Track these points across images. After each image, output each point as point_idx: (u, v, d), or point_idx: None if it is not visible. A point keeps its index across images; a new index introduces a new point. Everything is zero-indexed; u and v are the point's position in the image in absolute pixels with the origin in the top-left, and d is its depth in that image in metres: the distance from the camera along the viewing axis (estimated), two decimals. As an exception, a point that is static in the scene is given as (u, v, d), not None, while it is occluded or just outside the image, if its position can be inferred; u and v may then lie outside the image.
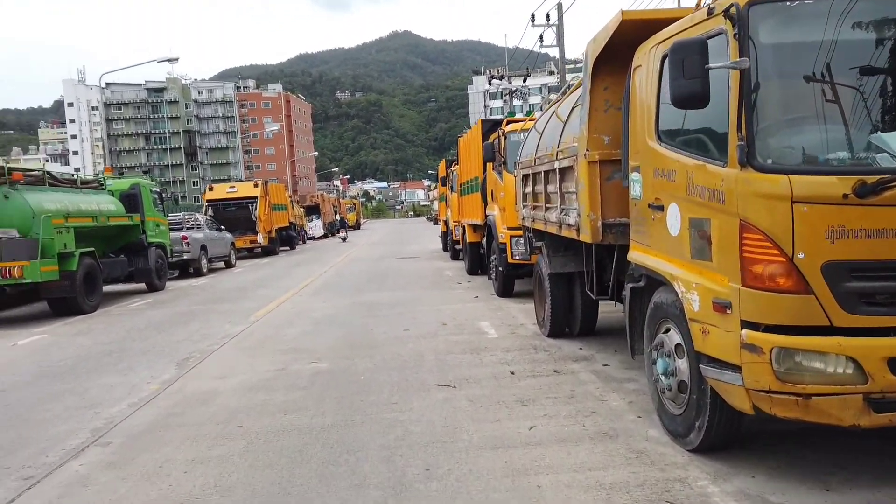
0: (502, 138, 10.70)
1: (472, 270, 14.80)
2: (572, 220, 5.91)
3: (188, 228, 18.93)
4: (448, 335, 7.94)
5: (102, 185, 14.06)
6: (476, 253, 14.42)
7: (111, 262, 13.29)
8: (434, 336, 7.91)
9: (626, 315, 4.73)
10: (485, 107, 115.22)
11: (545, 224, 7.14)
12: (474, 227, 13.98)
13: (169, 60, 26.85)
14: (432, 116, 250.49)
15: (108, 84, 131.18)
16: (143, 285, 15.08)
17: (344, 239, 36.92)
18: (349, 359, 6.87)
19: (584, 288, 6.84)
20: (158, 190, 16.15)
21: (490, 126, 12.55)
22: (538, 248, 7.73)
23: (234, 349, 7.73)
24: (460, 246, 16.82)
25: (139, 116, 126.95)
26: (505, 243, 10.37)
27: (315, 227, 43.47)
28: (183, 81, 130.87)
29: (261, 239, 25.84)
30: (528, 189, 8.07)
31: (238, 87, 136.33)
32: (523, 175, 8.43)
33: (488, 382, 5.69)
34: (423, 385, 5.72)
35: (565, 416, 4.72)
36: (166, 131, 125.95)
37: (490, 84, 49.51)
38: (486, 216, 11.92)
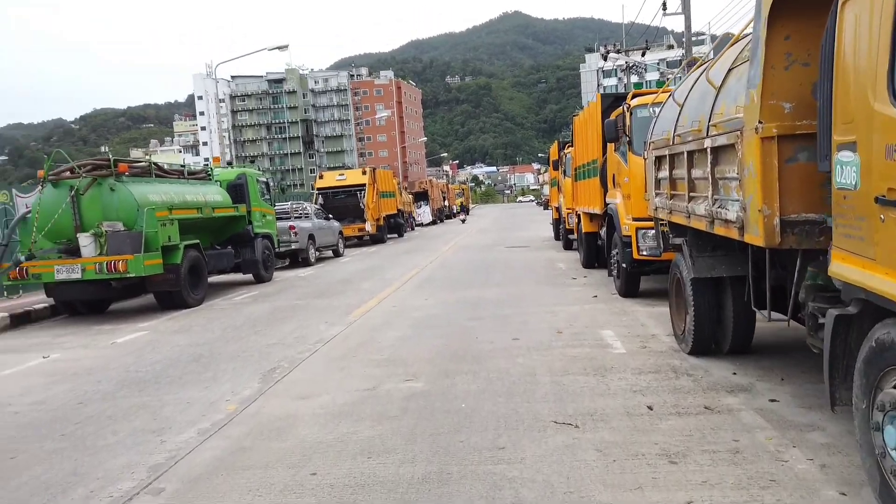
0: (627, 114, 9.20)
1: (588, 263, 13.46)
2: (732, 215, 4.57)
3: (296, 218, 18.81)
4: (564, 347, 6.79)
5: (210, 175, 13.97)
6: (593, 244, 13.07)
7: (217, 255, 13.16)
8: (548, 348, 6.78)
9: (825, 351, 3.39)
10: (598, 85, 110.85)
11: (688, 218, 5.79)
12: (591, 216, 12.63)
13: (279, 48, 27.12)
14: (542, 98, 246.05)
15: (233, 77, 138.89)
16: (250, 276, 14.97)
17: (464, 220, 44.20)
18: (449, 376, 5.90)
19: (737, 295, 5.47)
20: (265, 179, 15.99)
21: (611, 102, 11.19)
22: (677, 245, 6.38)
23: (325, 358, 6.98)
24: (574, 236, 15.45)
25: (261, 107, 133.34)
26: (630, 236, 8.97)
27: (423, 213, 43.23)
28: (300, 72, 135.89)
29: (369, 227, 25.62)
30: (664, 174, 6.71)
31: (352, 76, 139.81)
32: (656, 157, 7.07)
33: (620, 421, 4.51)
34: (536, 420, 4.63)
35: (733, 484, 3.48)
36: (285, 121, 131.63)
37: (606, 59, 47.06)
38: (605, 204, 10.66)
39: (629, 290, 9.67)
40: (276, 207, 17.35)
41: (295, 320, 9.54)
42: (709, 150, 5.04)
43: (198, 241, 12.09)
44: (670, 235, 6.67)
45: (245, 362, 7.02)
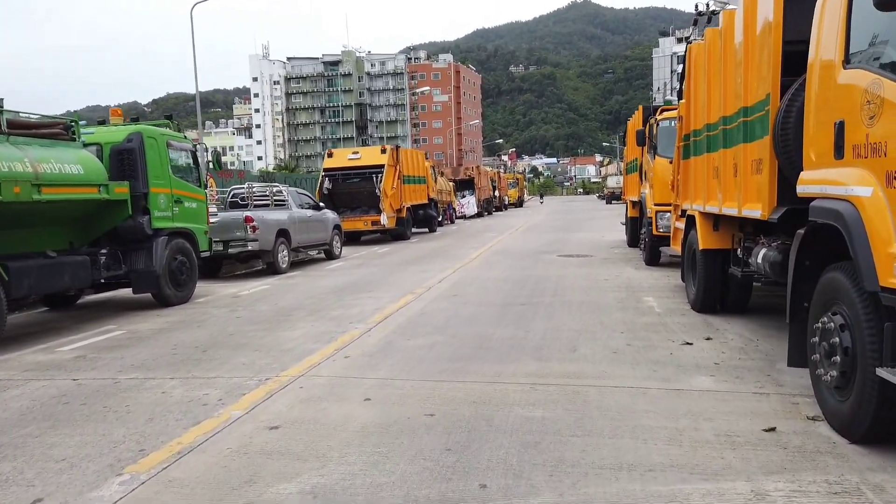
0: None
1: (707, 306, 7.48)
2: None
3: (259, 206, 13.38)
4: None
5: (73, 131, 8.50)
6: (717, 271, 7.15)
7: (48, 266, 7.69)
8: None
9: None
10: (672, 71, 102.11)
11: None
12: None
13: None
14: (608, 89, 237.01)
15: (288, 58, 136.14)
16: (151, 296, 9.56)
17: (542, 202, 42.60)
18: None
19: None
20: (189, 145, 10.45)
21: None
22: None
23: None
24: (677, 252, 9.33)
25: (315, 90, 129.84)
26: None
27: (468, 203, 37.35)
28: (357, 54, 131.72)
29: (384, 220, 19.95)
30: None
31: (409, 59, 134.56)
32: None
33: None
34: None
35: None
36: (339, 104, 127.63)
37: (684, 41, 41.19)
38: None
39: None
40: (228, 190, 11.95)
41: (129, 421, 3.98)
42: None
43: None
44: None
45: None
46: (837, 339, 3.73)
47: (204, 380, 5.37)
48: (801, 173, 4.35)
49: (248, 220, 12.39)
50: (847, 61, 3.75)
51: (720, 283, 7.33)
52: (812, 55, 4.20)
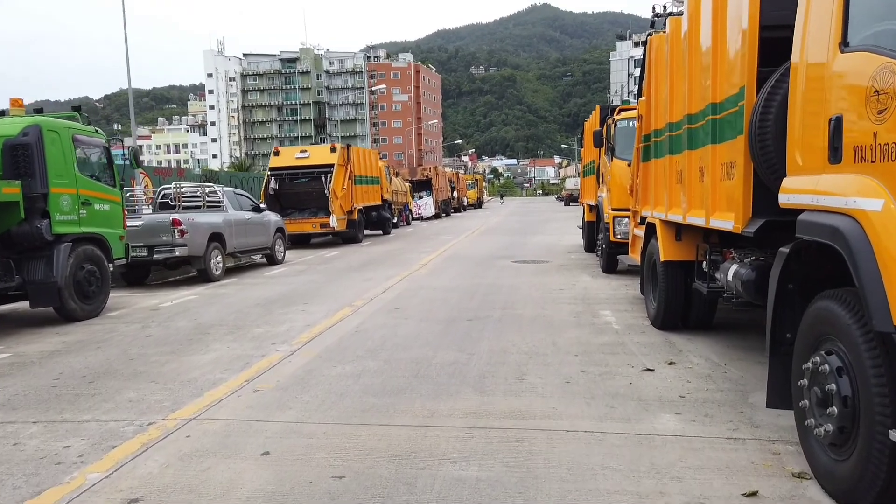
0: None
1: (668, 323, 6.83)
2: None
3: (188, 208, 12.33)
4: None
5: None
6: (680, 290, 6.49)
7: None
8: None
9: None
10: (629, 75, 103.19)
11: None
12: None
13: None
14: (567, 91, 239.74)
15: (245, 55, 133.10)
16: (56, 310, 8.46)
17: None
18: None
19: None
20: (101, 141, 9.34)
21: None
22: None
23: None
24: (638, 262, 8.66)
25: (272, 87, 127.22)
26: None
27: (425, 205, 36.54)
28: (315, 51, 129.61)
29: (334, 222, 18.98)
30: None
31: (368, 58, 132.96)
32: None
33: None
34: None
35: None
36: (297, 102, 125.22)
37: (641, 45, 41.32)
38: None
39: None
40: (158, 190, 10.88)
41: None
42: None
43: None
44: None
45: None
46: (834, 387, 3.02)
47: (73, 424, 4.42)
48: (785, 180, 3.66)
49: (175, 223, 11.33)
50: (845, 43, 3.06)
51: (683, 298, 6.68)
52: (798, 37, 3.50)
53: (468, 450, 3.80)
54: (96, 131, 9.29)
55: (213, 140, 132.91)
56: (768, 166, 4.08)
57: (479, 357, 5.96)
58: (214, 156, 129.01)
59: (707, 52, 5.15)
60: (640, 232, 8.19)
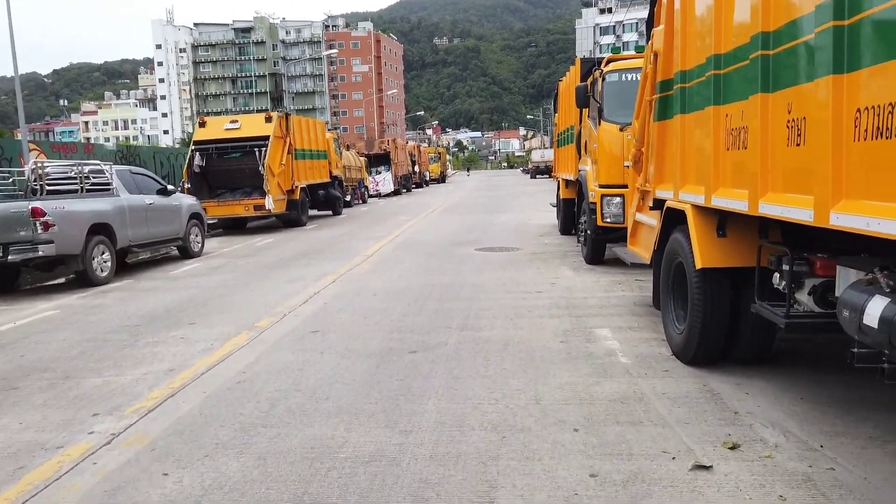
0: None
1: (707, 353, 4.57)
2: None
3: (56, 192, 9.62)
4: None
5: None
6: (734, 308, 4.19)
7: None
8: None
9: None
10: (595, 43, 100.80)
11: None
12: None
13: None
14: (531, 62, 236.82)
15: (195, 24, 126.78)
16: None
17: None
18: None
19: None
20: None
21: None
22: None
23: None
24: (643, 258, 6.32)
25: (225, 59, 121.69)
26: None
27: (383, 180, 33.92)
28: (271, 20, 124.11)
29: (270, 203, 16.33)
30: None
31: (327, 27, 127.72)
32: None
33: None
34: None
35: None
36: (252, 74, 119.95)
37: (607, 12, 39.29)
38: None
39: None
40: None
41: None
42: None
43: None
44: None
45: None
46: None
47: None
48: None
49: (36, 213, 8.66)
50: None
51: (729, 322, 4.43)
52: None
53: None
54: None
55: (164, 115, 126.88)
56: None
57: (419, 438, 3.62)
58: (166, 131, 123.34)
59: None
60: (649, 219, 5.90)
